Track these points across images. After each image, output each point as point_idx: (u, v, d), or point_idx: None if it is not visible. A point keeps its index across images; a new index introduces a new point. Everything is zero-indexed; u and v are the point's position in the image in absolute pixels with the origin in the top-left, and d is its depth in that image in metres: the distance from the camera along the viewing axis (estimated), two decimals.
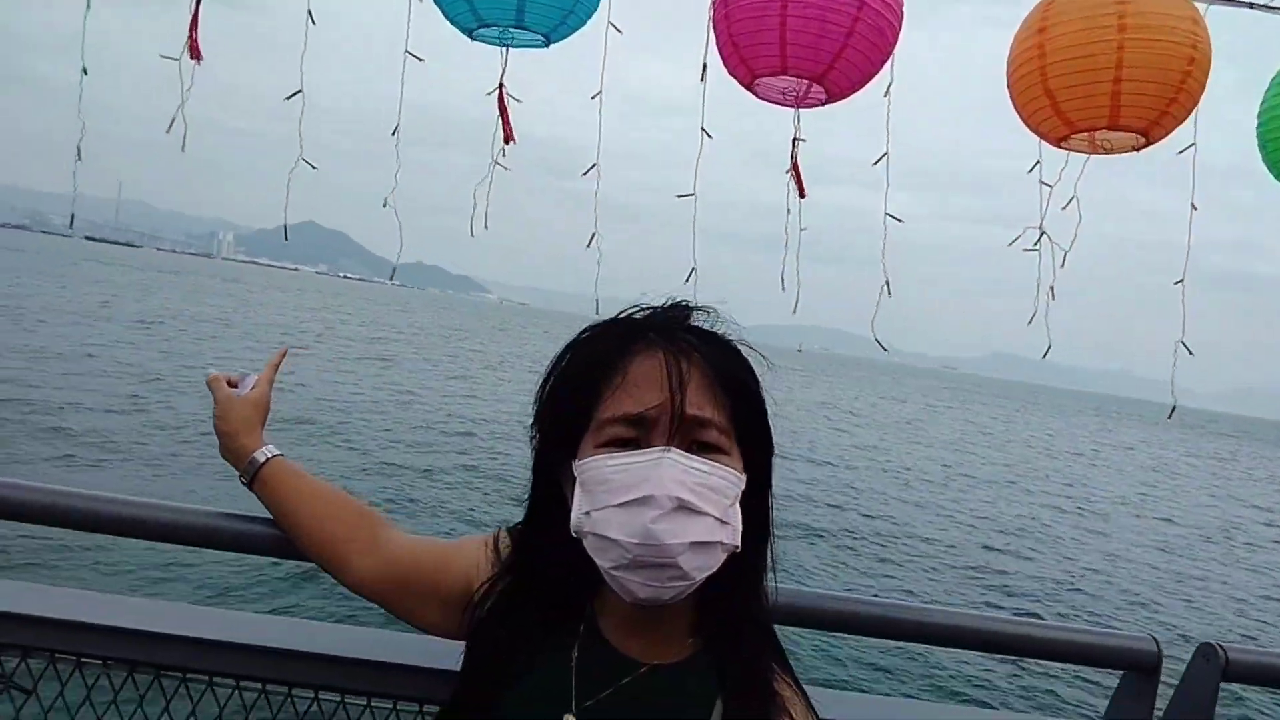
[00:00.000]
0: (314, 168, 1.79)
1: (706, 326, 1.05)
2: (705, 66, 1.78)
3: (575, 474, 0.97)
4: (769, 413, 1.03)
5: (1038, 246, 1.99)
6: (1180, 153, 1.90)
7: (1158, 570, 15.42)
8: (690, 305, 1.06)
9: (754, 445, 1.00)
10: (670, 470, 0.91)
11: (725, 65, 1.79)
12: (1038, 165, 1.99)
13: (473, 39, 1.71)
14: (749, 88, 1.80)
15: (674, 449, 0.92)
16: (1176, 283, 1.97)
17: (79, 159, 1.67)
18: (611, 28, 1.81)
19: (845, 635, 1.54)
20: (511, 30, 1.66)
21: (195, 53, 1.79)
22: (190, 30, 1.78)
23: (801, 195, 1.91)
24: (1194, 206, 1.94)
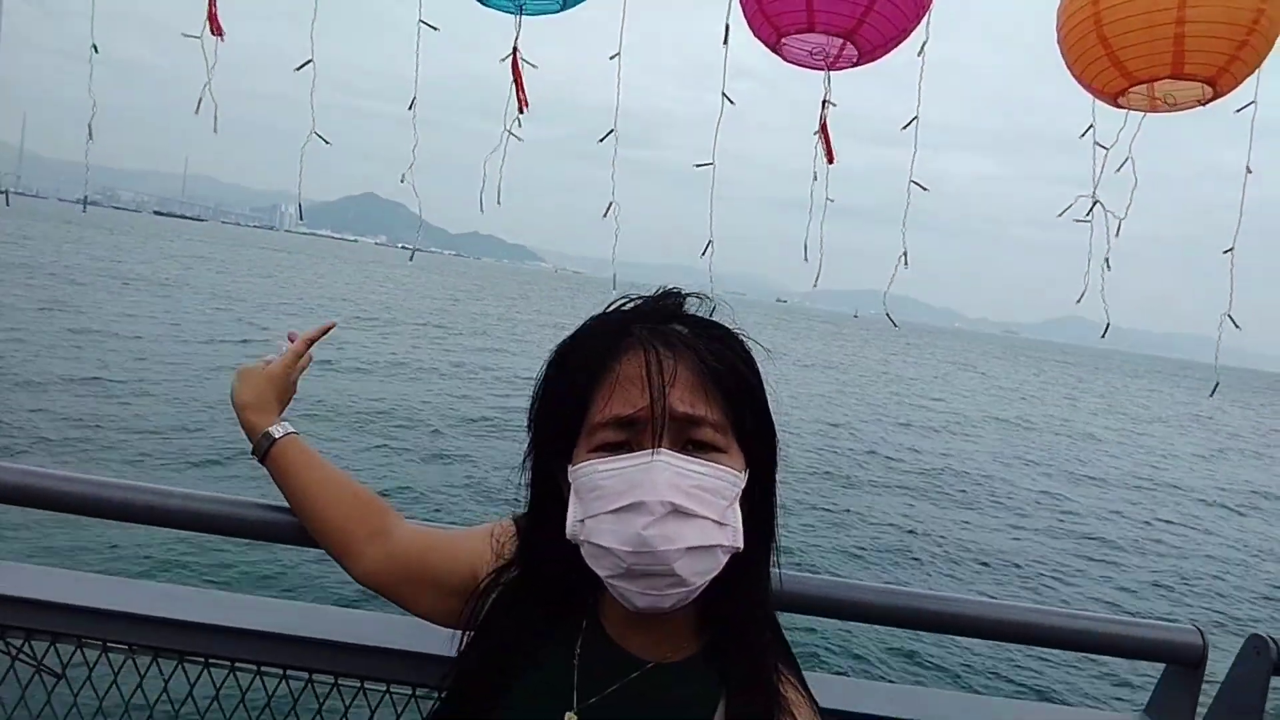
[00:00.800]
0: (327, 143, 1.76)
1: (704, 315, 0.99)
2: (727, 28, 1.68)
3: (570, 479, 0.93)
4: (769, 403, 0.96)
5: (1089, 216, 1.85)
6: (1239, 110, 1.74)
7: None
8: (681, 293, 1.00)
9: (754, 440, 0.94)
10: (661, 474, 0.86)
11: (749, 24, 1.68)
12: (1091, 129, 1.85)
13: (484, 3, 1.64)
14: (775, 49, 1.69)
15: (663, 451, 0.87)
16: (1226, 251, 1.82)
17: (90, 138, 1.65)
18: None
19: (871, 624, 1.47)
20: None
21: (216, 28, 1.76)
22: (210, 6, 1.75)
23: (830, 160, 1.80)
24: (1249, 170, 1.77)
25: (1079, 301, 1.94)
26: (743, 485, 0.91)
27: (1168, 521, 16.43)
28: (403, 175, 1.69)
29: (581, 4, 1.67)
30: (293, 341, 1.45)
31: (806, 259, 1.75)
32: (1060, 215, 1.87)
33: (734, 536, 0.89)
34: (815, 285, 1.75)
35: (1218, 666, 1.51)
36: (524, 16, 1.57)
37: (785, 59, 1.73)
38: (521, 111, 1.62)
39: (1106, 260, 1.89)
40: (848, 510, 13.39)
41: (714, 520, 0.87)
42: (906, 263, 1.77)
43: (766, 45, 1.71)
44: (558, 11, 1.66)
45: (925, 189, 1.76)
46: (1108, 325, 1.96)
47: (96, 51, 1.67)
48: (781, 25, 1.58)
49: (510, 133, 1.63)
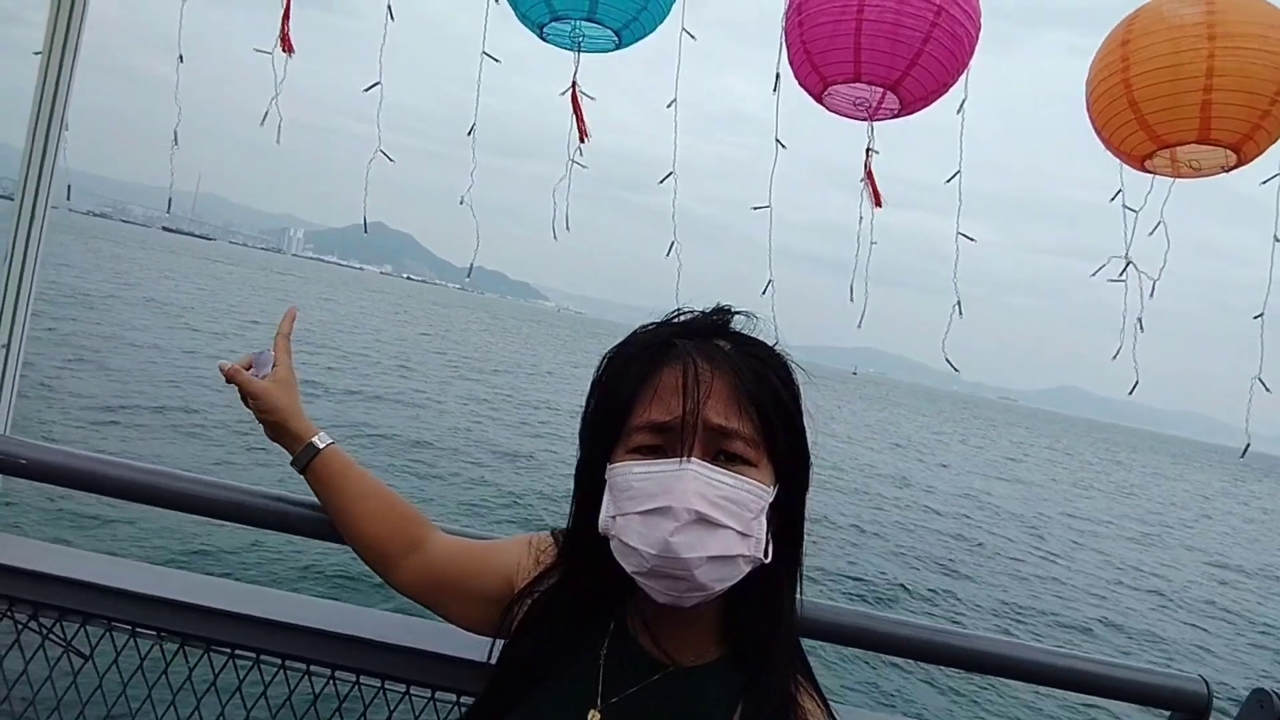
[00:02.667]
0: (391, 160, 1.83)
1: (749, 333, 1.04)
2: (778, 76, 1.76)
3: (607, 477, 0.98)
4: (804, 425, 1.00)
5: (1124, 276, 1.90)
6: (1265, 183, 1.80)
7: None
8: (731, 310, 1.05)
9: (786, 456, 0.98)
10: (691, 482, 0.90)
11: (796, 75, 1.76)
12: (1120, 193, 1.90)
13: (544, 38, 1.73)
14: (819, 98, 1.77)
15: (694, 460, 0.91)
16: (1256, 317, 1.87)
17: (174, 143, 1.72)
18: (685, 34, 1.80)
19: (884, 655, 1.50)
20: (583, 27, 1.67)
21: (287, 45, 1.84)
22: (282, 23, 1.83)
23: (877, 204, 1.86)
24: (1278, 239, 1.83)
25: (1114, 358, 1.96)
26: (770, 499, 0.94)
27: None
28: (461, 197, 1.76)
29: (634, 45, 1.76)
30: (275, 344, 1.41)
31: (852, 299, 1.80)
32: (1094, 275, 1.90)
33: (756, 548, 0.93)
34: (859, 326, 1.80)
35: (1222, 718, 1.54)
36: (581, 59, 1.66)
37: (828, 108, 1.81)
38: (583, 141, 1.69)
39: (1139, 320, 1.91)
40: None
41: (738, 531, 0.90)
42: (961, 312, 1.82)
43: (811, 95, 1.78)
44: (614, 50, 1.75)
45: (973, 239, 1.82)
46: (1135, 383, 1.98)
47: (182, 61, 1.75)
48: (829, 75, 1.65)
49: (575, 162, 1.70)
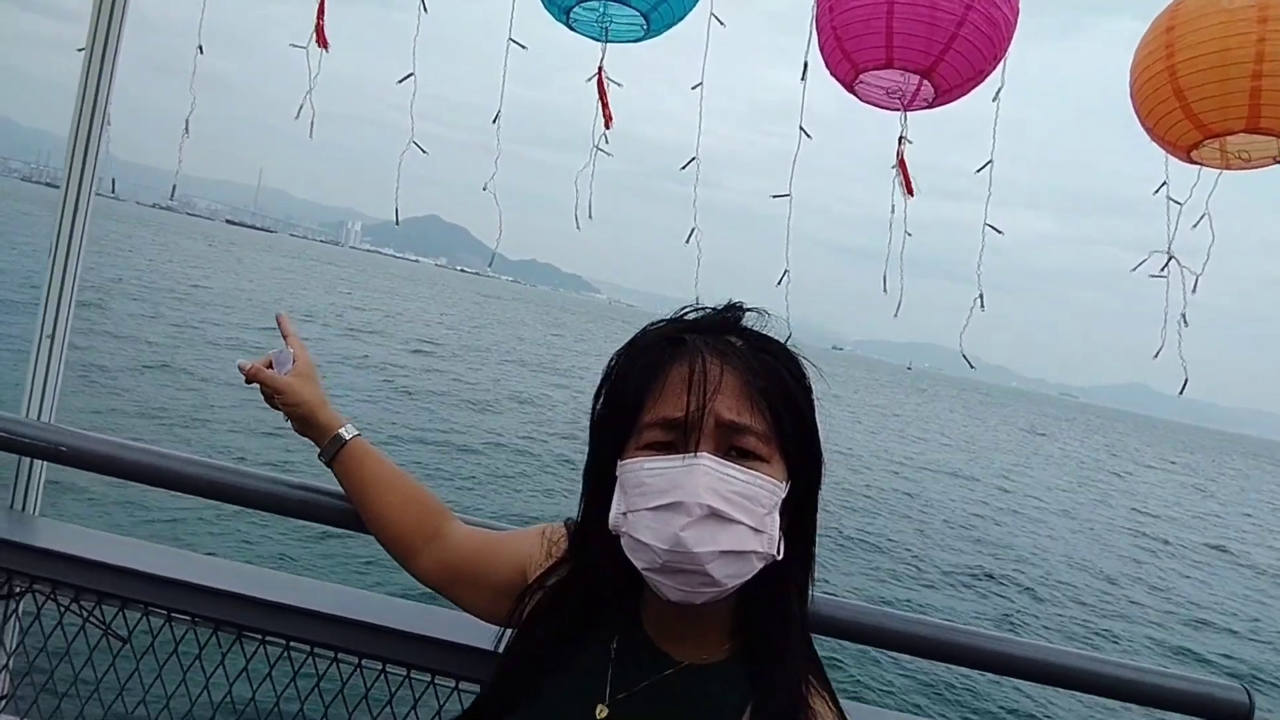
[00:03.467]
0: (424, 151, 1.84)
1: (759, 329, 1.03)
2: (806, 65, 1.73)
3: (618, 474, 0.97)
4: (816, 422, 0.99)
5: (1165, 271, 1.83)
6: None
7: None
8: (743, 307, 1.04)
9: (797, 453, 0.96)
10: (703, 477, 0.89)
11: (826, 63, 1.72)
12: (1164, 185, 1.84)
13: (571, 27, 1.72)
14: (850, 87, 1.73)
15: (705, 455, 0.91)
16: None
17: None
18: (714, 20, 1.78)
19: (917, 657, 1.48)
20: (610, 12, 1.66)
21: (322, 40, 1.86)
22: (317, 18, 1.85)
23: (909, 193, 1.82)
24: None
25: (1155, 357, 1.90)
26: (782, 495, 0.93)
27: None
28: (485, 184, 1.76)
29: (662, 35, 1.74)
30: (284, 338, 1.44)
31: (885, 290, 1.76)
32: (1134, 270, 1.85)
33: (769, 544, 0.92)
34: (896, 315, 1.76)
35: None
36: (637, 59, 1.65)
37: (860, 98, 1.77)
38: (608, 127, 1.69)
39: (1183, 316, 1.85)
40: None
41: (750, 527, 0.89)
42: (983, 305, 1.78)
43: (843, 84, 1.74)
44: (640, 40, 1.73)
45: (1000, 232, 1.77)
46: (1185, 382, 1.92)
47: (201, 52, 1.78)
48: (860, 62, 1.61)
49: (599, 148, 1.69)
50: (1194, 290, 1.80)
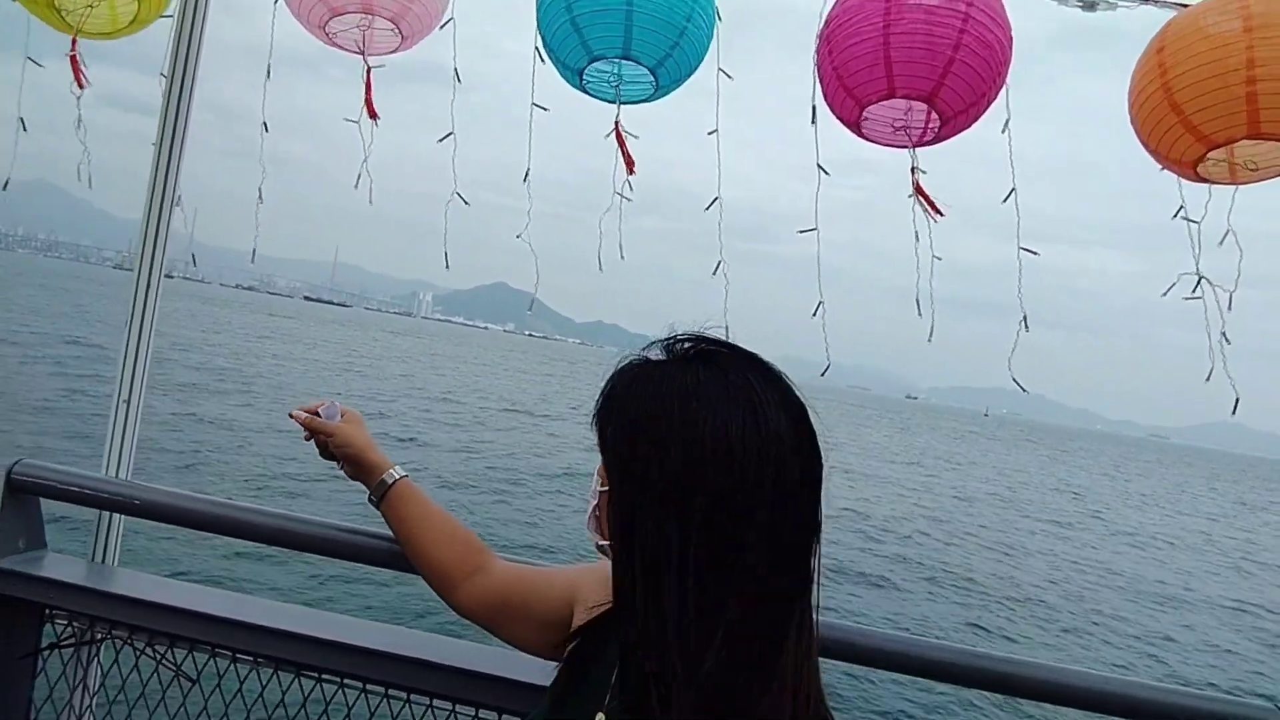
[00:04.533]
0: (466, 203, 1.96)
1: None
2: (814, 109, 1.80)
3: None
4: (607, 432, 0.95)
5: (1198, 293, 1.81)
6: None
7: None
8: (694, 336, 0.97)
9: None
10: None
11: (830, 105, 1.78)
12: (1182, 209, 1.82)
13: (585, 90, 1.84)
14: (856, 126, 1.78)
15: None
16: None
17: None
18: (722, 74, 1.88)
19: (943, 682, 1.47)
20: (621, 74, 1.78)
21: (372, 113, 2.01)
22: (365, 93, 2.00)
23: (938, 214, 1.84)
24: None
25: (1209, 379, 1.86)
26: (596, 488, 1.00)
27: None
28: (518, 234, 1.87)
29: (671, 94, 1.85)
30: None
31: (920, 314, 1.79)
32: (1164, 295, 1.83)
33: (590, 521, 1.03)
34: (929, 340, 1.78)
35: None
36: (623, 106, 1.76)
37: (867, 139, 1.81)
38: (631, 174, 1.78)
39: (1224, 335, 1.82)
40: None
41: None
42: (1027, 327, 1.79)
43: (847, 124, 1.80)
44: (650, 100, 1.84)
45: (1036, 254, 1.78)
46: (1237, 400, 1.88)
47: (267, 130, 1.95)
48: (863, 96, 1.67)
49: (619, 194, 1.79)
50: (1229, 308, 1.77)
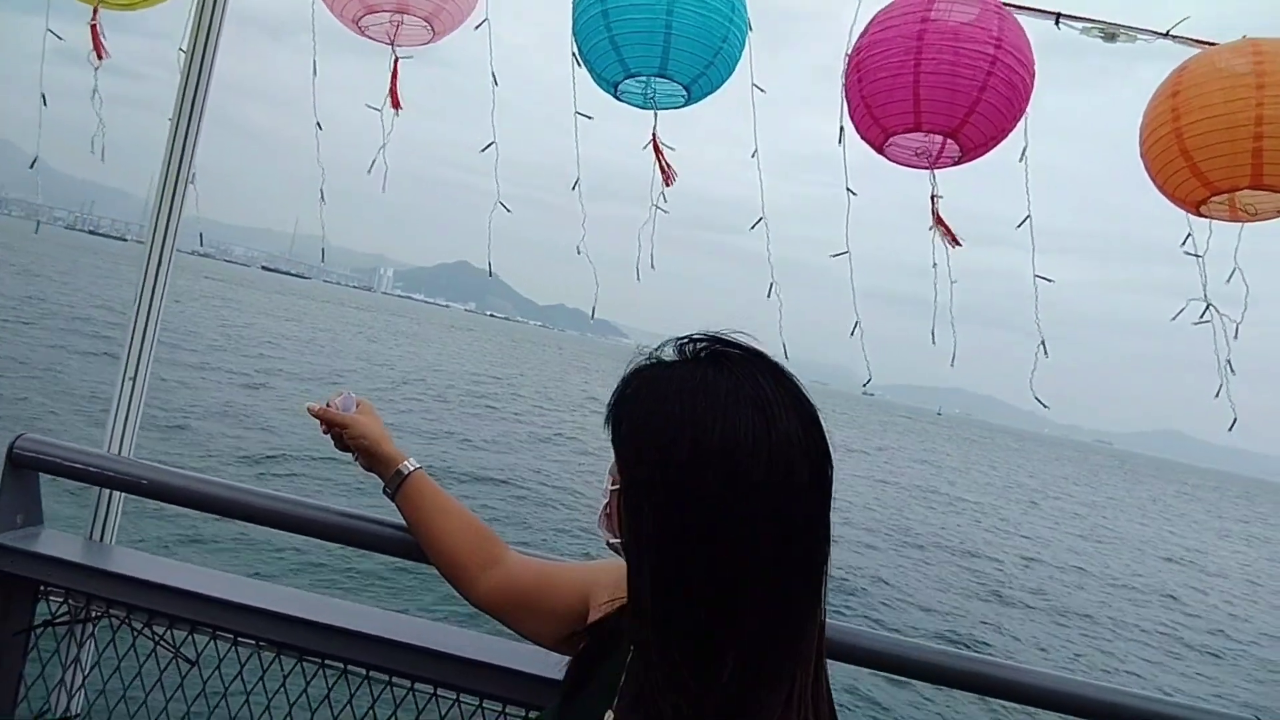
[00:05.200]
0: (509, 210, 1.98)
1: None
2: (842, 129, 1.85)
3: None
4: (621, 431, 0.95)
5: (1206, 318, 1.89)
6: None
7: None
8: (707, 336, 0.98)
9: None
10: None
11: (857, 129, 1.84)
12: (1189, 238, 1.92)
13: (618, 98, 1.86)
14: (880, 150, 1.85)
15: None
16: None
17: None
18: (756, 89, 1.91)
19: (941, 686, 1.53)
20: (655, 84, 1.81)
21: (395, 103, 2.01)
22: (391, 81, 2.00)
23: (956, 243, 1.90)
24: None
25: (1216, 397, 1.94)
26: (607, 487, 0.99)
27: None
28: (577, 247, 1.90)
29: (705, 100, 1.88)
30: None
31: (935, 343, 1.85)
32: (1174, 319, 1.90)
33: (602, 520, 1.00)
34: (953, 364, 1.85)
35: None
36: (658, 111, 1.79)
37: (890, 159, 1.88)
38: (668, 185, 1.82)
39: (1229, 363, 1.89)
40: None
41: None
42: (1046, 352, 1.85)
43: (873, 147, 1.86)
44: (684, 106, 1.87)
45: (1051, 280, 1.86)
46: (1234, 420, 1.95)
47: (321, 129, 1.94)
48: (889, 126, 1.73)
49: (657, 206, 1.82)
50: (1235, 337, 1.85)
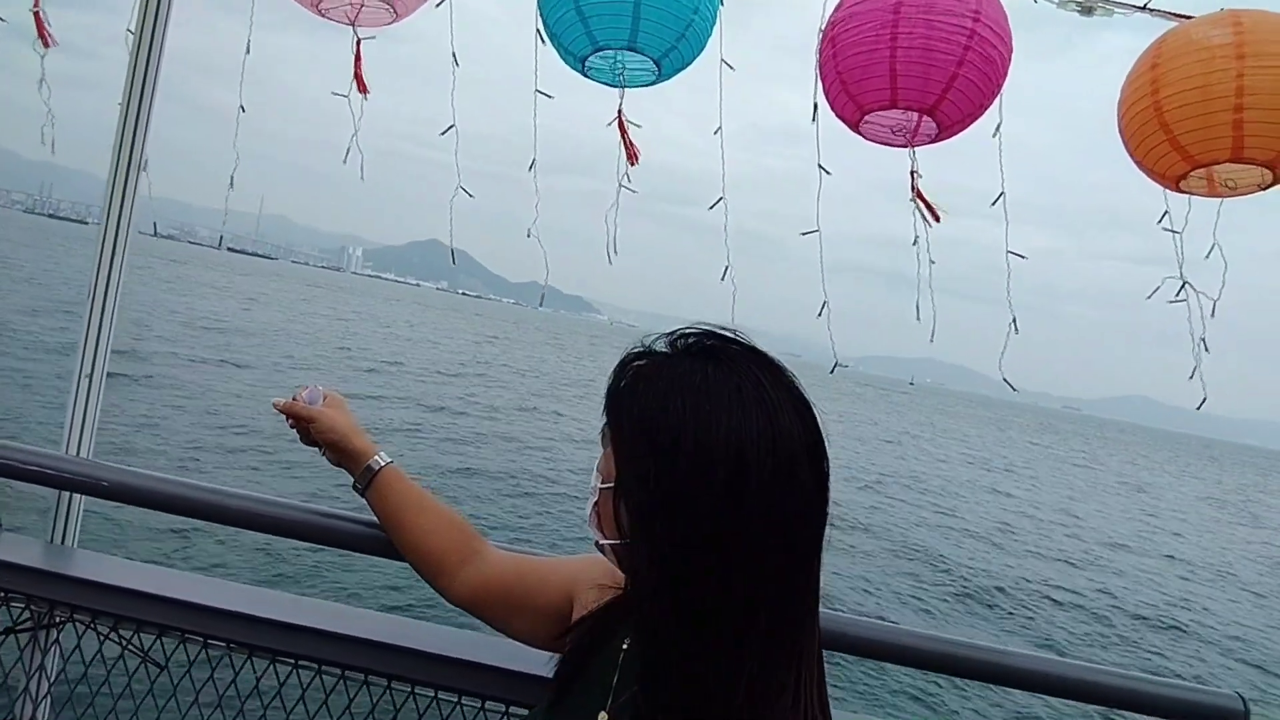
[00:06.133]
0: (471, 195, 1.92)
1: None
2: (815, 106, 1.81)
3: None
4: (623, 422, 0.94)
5: (1182, 296, 1.89)
6: None
7: None
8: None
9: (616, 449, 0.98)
10: None
11: (832, 106, 1.81)
12: (1166, 215, 1.91)
13: (586, 75, 1.81)
14: (855, 127, 1.81)
15: None
16: None
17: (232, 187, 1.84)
18: (725, 65, 1.86)
19: (921, 670, 1.53)
20: (623, 61, 1.76)
21: (362, 87, 1.93)
22: (355, 65, 1.93)
23: (935, 219, 1.88)
24: None
25: (1191, 378, 1.94)
26: (595, 485, 0.97)
27: None
28: (529, 230, 1.85)
29: (676, 78, 1.83)
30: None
31: (919, 319, 1.84)
32: (1149, 298, 1.90)
33: (591, 519, 0.99)
34: (931, 340, 1.84)
35: None
36: (626, 88, 1.74)
37: (865, 137, 1.85)
38: (633, 164, 1.77)
39: (1203, 341, 1.89)
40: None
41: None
42: (1017, 329, 1.85)
43: (848, 124, 1.82)
44: (653, 82, 1.82)
45: (1024, 257, 1.84)
46: (1204, 399, 1.96)
47: (244, 111, 1.86)
48: (865, 103, 1.70)
49: (625, 186, 1.77)
50: (1212, 314, 1.85)
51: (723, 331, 0.92)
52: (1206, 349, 1.77)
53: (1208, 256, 1.77)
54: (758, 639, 0.82)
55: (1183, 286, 1.85)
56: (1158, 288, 1.82)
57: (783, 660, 0.84)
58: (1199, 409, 1.92)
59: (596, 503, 0.98)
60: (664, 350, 0.92)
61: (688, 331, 0.92)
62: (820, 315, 1.78)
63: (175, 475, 1.67)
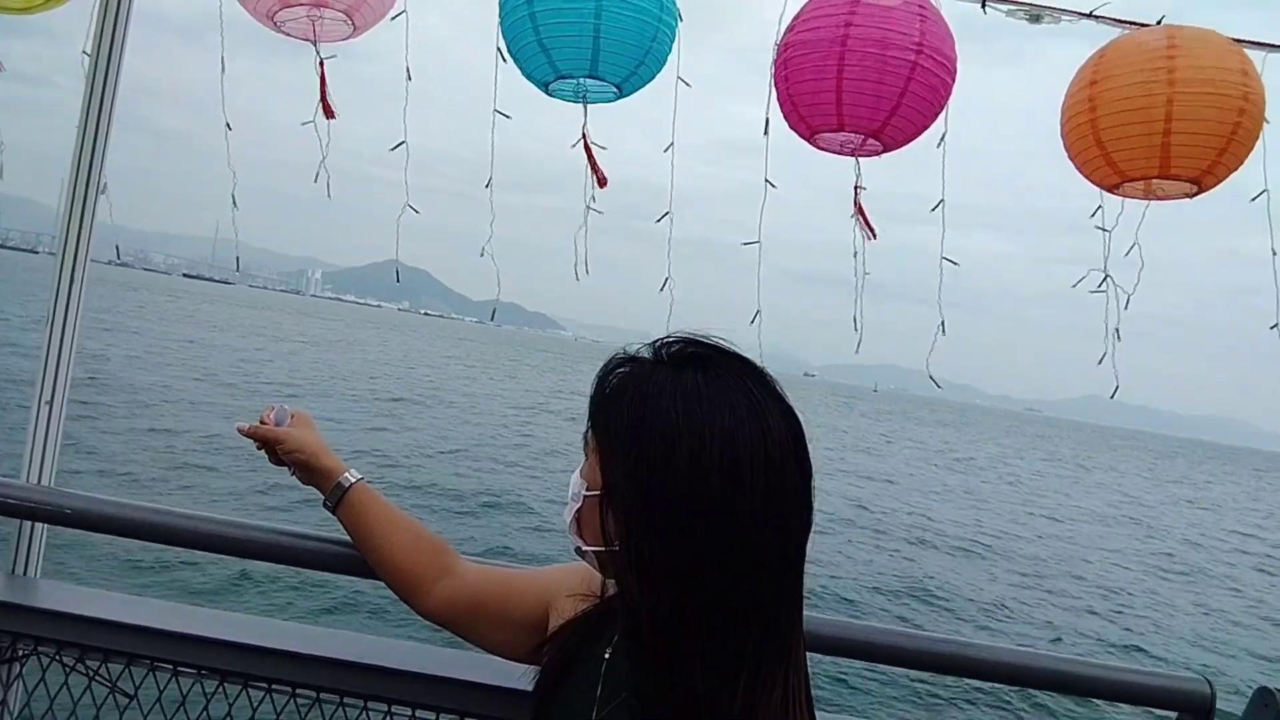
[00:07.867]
0: (417, 212, 1.94)
1: None
2: (768, 121, 1.88)
3: None
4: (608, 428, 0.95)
5: (1103, 288, 2.01)
6: (1254, 199, 1.93)
7: None
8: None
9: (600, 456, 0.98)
10: None
11: (786, 121, 1.89)
12: (1100, 210, 2.03)
13: (549, 94, 1.85)
14: (809, 140, 1.89)
15: None
16: (1272, 327, 1.96)
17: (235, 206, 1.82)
18: (681, 82, 1.92)
19: (885, 666, 1.57)
20: (586, 83, 1.80)
21: (328, 111, 1.94)
22: (321, 89, 1.93)
23: (872, 236, 1.96)
24: (1275, 252, 1.96)
25: (1100, 363, 2.06)
26: (579, 490, 0.96)
27: None
28: (482, 249, 1.87)
29: (636, 94, 1.88)
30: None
31: (856, 329, 1.90)
32: (1074, 286, 2.03)
33: (571, 524, 0.99)
34: (857, 351, 1.90)
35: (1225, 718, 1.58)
36: (588, 105, 1.78)
37: (818, 148, 1.92)
38: (602, 186, 1.81)
39: (1117, 330, 2.02)
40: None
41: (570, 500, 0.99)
42: (944, 330, 1.92)
43: (802, 137, 1.90)
44: (615, 100, 1.87)
45: (956, 264, 1.93)
46: (1116, 388, 2.07)
47: (230, 129, 1.86)
48: (814, 125, 1.77)
49: (590, 207, 1.81)
50: (1126, 307, 1.98)
51: (706, 339, 0.92)
52: (1119, 337, 1.90)
53: (1126, 255, 1.90)
54: (751, 641, 0.83)
55: (1104, 279, 1.96)
56: (1082, 278, 1.94)
57: (774, 661, 0.85)
58: (1112, 396, 2.03)
59: (579, 509, 0.97)
60: (648, 358, 0.92)
61: (671, 339, 0.92)
62: (753, 323, 1.84)
63: (138, 501, 1.65)
